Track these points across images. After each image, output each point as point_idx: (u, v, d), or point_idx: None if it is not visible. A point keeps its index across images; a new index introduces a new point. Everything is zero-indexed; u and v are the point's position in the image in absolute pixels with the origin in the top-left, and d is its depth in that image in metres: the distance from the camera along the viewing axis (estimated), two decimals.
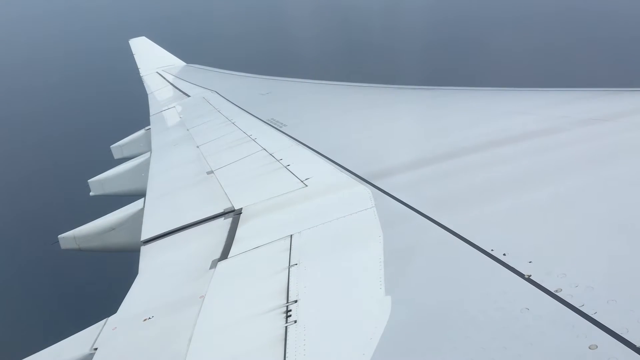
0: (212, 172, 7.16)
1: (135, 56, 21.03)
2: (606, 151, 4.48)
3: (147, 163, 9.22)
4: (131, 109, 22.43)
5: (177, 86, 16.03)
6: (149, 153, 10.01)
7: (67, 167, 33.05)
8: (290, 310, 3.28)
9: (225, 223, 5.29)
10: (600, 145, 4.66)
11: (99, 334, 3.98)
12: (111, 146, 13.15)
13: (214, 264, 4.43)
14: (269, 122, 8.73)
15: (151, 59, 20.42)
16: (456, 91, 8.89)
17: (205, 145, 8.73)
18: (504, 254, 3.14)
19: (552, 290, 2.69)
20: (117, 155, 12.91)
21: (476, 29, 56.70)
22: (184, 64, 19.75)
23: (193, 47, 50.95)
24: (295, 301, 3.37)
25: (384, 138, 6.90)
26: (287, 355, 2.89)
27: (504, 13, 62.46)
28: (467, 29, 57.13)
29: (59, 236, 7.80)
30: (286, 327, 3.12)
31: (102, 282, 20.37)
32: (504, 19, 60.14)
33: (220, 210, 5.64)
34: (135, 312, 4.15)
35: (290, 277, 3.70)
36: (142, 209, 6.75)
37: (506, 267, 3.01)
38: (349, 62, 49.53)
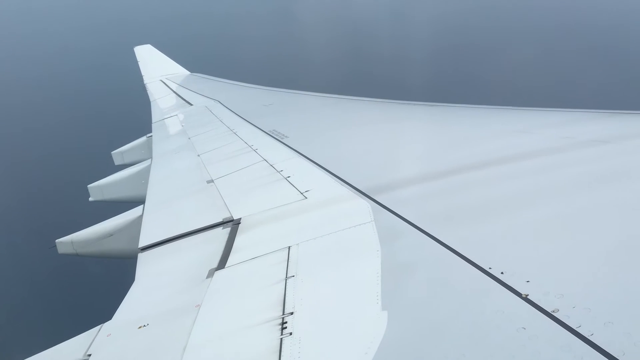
0: (212, 181, 7.16)
1: (139, 64, 21.09)
2: (608, 173, 4.48)
3: (147, 170, 9.22)
4: (134, 116, 22.50)
5: (180, 95, 16.08)
6: (149, 160, 10.01)
7: (67, 172, 33.06)
8: (286, 322, 3.26)
9: (223, 232, 5.28)
10: (602, 167, 4.66)
11: (93, 340, 3.95)
12: (112, 152, 13.17)
13: (211, 273, 4.41)
14: (270, 134, 8.75)
15: (155, 66, 20.49)
16: (459, 108, 8.91)
17: (206, 154, 8.74)
18: (502, 273, 3.13)
19: (549, 310, 2.68)
20: (117, 161, 12.91)
21: (482, 46, 57.03)
22: (188, 72, 19.82)
23: (198, 55, 51.16)
24: (292, 313, 3.35)
25: (385, 153, 6.91)
26: None
27: (512, 29, 62.90)
28: (473, 46, 57.46)
29: (57, 241, 7.77)
30: (281, 338, 3.11)
31: (98, 288, 20.28)
32: (511, 35, 60.59)
33: (219, 220, 5.63)
34: (130, 319, 4.13)
35: (287, 289, 3.69)
36: (141, 216, 6.74)
37: (504, 286, 3.00)
38: (355, 76, 49.84)
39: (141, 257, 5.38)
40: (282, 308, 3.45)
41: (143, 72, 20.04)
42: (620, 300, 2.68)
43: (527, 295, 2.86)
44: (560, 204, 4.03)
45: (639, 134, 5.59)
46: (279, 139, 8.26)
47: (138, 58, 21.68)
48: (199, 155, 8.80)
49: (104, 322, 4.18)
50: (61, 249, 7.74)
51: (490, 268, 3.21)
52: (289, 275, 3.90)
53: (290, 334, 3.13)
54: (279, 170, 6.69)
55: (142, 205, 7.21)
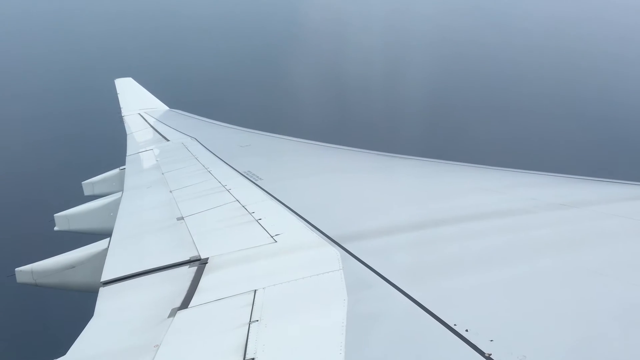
0: (182, 218, 7.09)
1: (119, 96, 21.03)
2: (571, 237, 4.58)
3: (117, 203, 9.09)
4: (108, 147, 22.30)
5: (157, 129, 16.04)
6: (120, 193, 9.89)
7: (34, 200, 32.40)
8: None
9: (189, 271, 5.20)
10: (566, 230, 4.77)
11: None
12: (83, 182, 12.98)
13: (173, 313, 4.32)
14: (245, 175, 8.75)
15: (135, 100, 20.45)
16: (434, 163, 9.09)
17: (178, 191, 8.68)
18: (467, 330, 3.13)
19: None
20: (87, 192, 12.71)
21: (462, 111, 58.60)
22: (167, 108, 19.83)
23: (179, 92, 51.31)
24: (253, 359, 3.29)
25: (358, 202, 6.95)
26: None
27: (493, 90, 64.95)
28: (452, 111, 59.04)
29: (16, 269, 7.55)
30: None
31: (55, 321, 19.64)
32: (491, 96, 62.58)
33: (186, 258, 5.55)
34: (84, 356, 4.00)
35: (249, 334, 3.63)
36: (106, 249, 6.61)
37: (467, 344, 3.00)
38: (335, 122, 50.53)
39: (102, 291, 5.25)
40: (243, 353, 3.39)
41: (122, 105, 19.96)
42: None
43: (490, 354, 2.86)
44: (526, 264, 4.09)
45: (600, 200, 5.76)
46: (253, 180, 8.26)
47: (118, 90, 21.64)
48: (171, 192, 8.73)
49: (57, 357, 4.04)
50: (20, 278, 7.51)
51: (455, 325, 3.21)
52: (252, 319, 3.84)
53: None
54: (250, 212, 6.67)
55: (108, 238, 7.08)
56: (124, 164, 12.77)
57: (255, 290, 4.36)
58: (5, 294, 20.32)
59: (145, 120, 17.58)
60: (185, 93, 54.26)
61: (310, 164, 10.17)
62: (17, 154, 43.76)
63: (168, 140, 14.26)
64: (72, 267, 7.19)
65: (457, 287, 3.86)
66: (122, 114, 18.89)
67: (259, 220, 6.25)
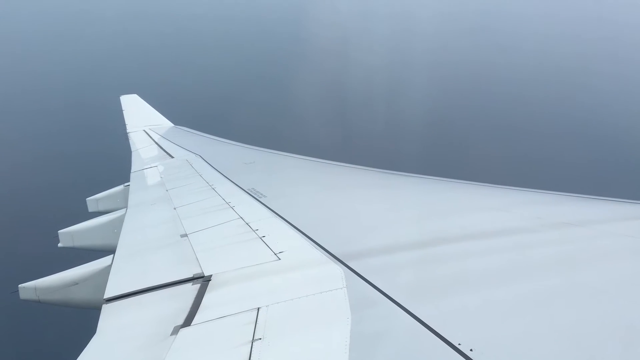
0: (186, 235, 7.08)
1: (124, 112, 21.11)
2: (577, 256, 4.56)
3: (121, 219, 9.09)
4: (113, 164, 22.38)
5: (162, 146, 16.08)
6: (124, 209, 9.89)
7: (38, 217, 32.46)
8: None
9: (192, 289, 5.18)
10: (571, 249, 4.74)
11: None
12: (87, 199, 12.99)
13: (175, 330, 4.30)
14: (249, 192, 8.75)
15: (140, 116, 20.53)
16: (440, 182, 9.08)
17: (182, 208, 8.68)
18: (471, 350, 3.11)
19: None
20: (91, 208, 12.71)
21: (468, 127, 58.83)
22: (171, 124, 19.90)
23: (183, 109, 51.57)
24: None
25: (362, 220, 6.94)
26: None
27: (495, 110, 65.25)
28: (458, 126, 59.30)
29: (20, 286, 7.54)
30: None
31: (58, 338, 19.56)
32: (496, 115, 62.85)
33: (190, 275, 5.54)
34: None
35: (252, 352, 3.60)
36: (110, 266, 6.60)
37: None
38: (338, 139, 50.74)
39: (105, 308, 5.23)
40: None
41: (127, 121, 20.02)
42: None
43: None
44: (531, 283, 4.06)
45: (605, 219, 5.74)
46: (257, 197, 8.26)
47: (123, 107, 21.73)
48: (175, 209, 8.73)
49: None
50: (23, 295, 7.50)
51: (459, 344, 3.19)
52: (255, 337, 3.82)
53: None
54: (254, 229, 6.66)
55: (111, 255, 7.07)
56: (128, 181, 12.79)
57: (259, 308, 4.34)
58: (7, 311, 20.32)
59: (150, 137, 17.65)
60: (190, 110, 54.58)
61: (314, 182, 10.17)
62: (21, 170, 44.00)
63: (172, 157, 14.30)
64: (75, 283, 7.18)
65: (462, 306, 3.83)
66: (127, 131, 18.96)
67: (262, 238, 6.24)
